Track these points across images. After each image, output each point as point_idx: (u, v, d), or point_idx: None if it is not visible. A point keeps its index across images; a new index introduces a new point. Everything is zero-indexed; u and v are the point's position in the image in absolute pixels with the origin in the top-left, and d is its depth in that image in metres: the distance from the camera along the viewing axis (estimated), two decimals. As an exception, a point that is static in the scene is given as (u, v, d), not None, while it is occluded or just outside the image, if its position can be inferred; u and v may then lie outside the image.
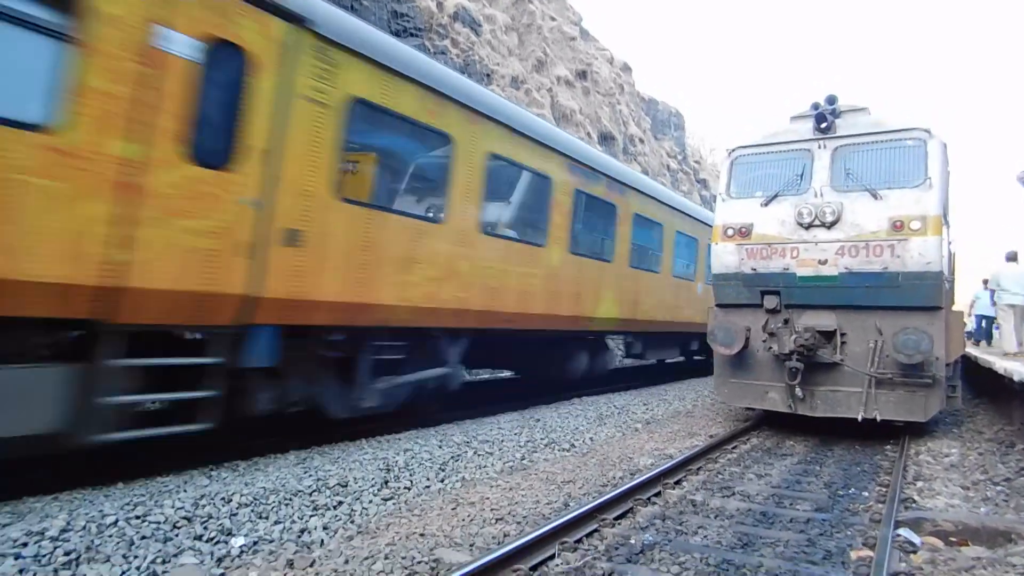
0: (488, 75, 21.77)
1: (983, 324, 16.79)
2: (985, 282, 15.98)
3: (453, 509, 5.12)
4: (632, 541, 4.48)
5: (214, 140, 5.30)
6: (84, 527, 4.03)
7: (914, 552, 4.37)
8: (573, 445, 7.84)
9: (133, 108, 4.68)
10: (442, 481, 5.98)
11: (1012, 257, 12.87)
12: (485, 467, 6.56)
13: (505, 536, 4.48)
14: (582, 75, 29.77)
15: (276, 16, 5.62)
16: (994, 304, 13.43)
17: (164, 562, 3.91)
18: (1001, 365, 8.61)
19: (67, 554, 3.75)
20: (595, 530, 4.65)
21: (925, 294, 7.80)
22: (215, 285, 5.30)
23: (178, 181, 4.99)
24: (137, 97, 4.69)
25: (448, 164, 7.80)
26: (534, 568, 3.95)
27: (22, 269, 4.20)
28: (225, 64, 5.29)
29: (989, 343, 16.54)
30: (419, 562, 3.97)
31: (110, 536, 4.01)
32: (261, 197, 5.59)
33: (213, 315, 5.41)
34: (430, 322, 7.70)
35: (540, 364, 11.58)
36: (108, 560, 3.80)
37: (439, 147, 7.79)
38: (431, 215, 7.77)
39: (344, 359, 6.99)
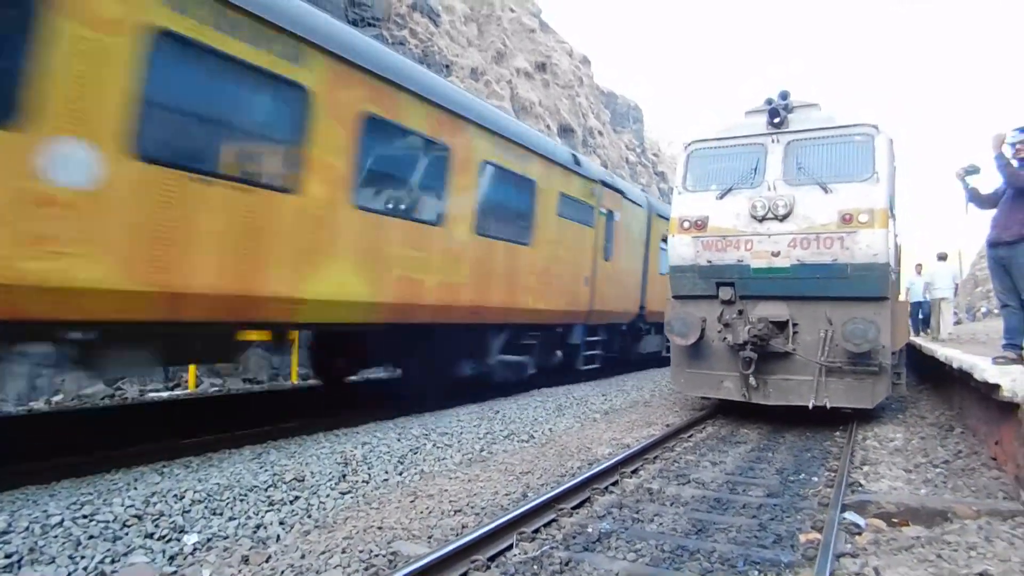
0: (447, 66, 21.61)
1: (919, 314, 16.37)
2: (919, 267, 16.45)
3: (411, 502, 5.10)
4: (589, 530, 4.54)
5: None
6: (27, 528, 3.91)
7: (859, 534, 4.53)
8: (532, 436, 7.89)
9: None
10: (400, 474, 5.96)
11: (943, 257, 15.17)
12: (444, 459, 6.56)
13: (463, 527, 4.49)
14: (541, 67, 29.78)
15: None
16: (926, 298, 15.52)
17: (113, 561, 3.81)
18: (942, 353, 8.94)
19: (8, 556, 3.62)
20: (553, 520, 4.69)
21: (872, 285, 8.06)
22: None
23: None
24: None
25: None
26: (492, 559, 3.96)
27: None
28: None
29: (920, 332, 16.28)
30: (377, 555, 3.95)
31: (55, 537, 3.90)
32: None
33: None
34: None
35: None
36: (53, 561, 3.69)
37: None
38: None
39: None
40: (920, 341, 13.18)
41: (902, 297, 14.21)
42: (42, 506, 4.29)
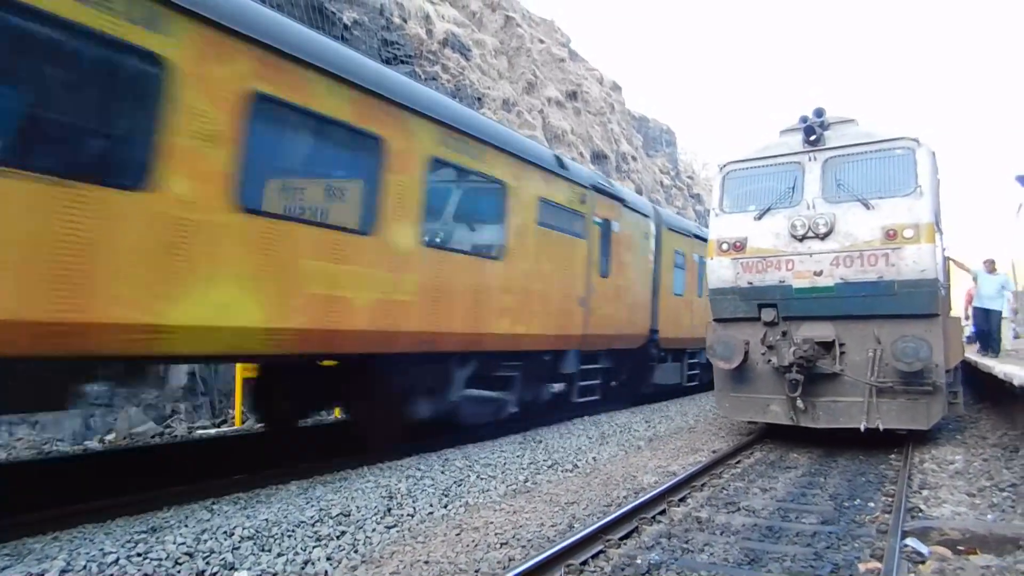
0: (479, 99, 21.96)
1: (987, 327, 13.69)
2: (989, 264, 13.53)
3: (457, 535, 5.08)
4: (638, 561, 4.45)
5: None
6: (84, 567, 3.99)
7: (922, 562, 4.34)
8: (576, 465, 7.80)
9: None
10: (445, 507, 5.93)
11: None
12: (488, 491, 6.51)
13: (510, 560, 4.44)
14: (572, 95, 30.02)
15: None
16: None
17: (166, 599, 3.86)
18: (1001, 370, 8.60)
19: (68, 595, 3.70)
20: (600, 551, 4.61)
21: (921, 302, 7.83)
22: None
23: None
24: None
25: None
26: (540, 592, 3.91)
27: None
28: None
29: (989, 350, 14.02)
30: (424, 590, 3.93)
31: (111, 575, 3.97)
32: None
33: None
34: None
35: None
36: (110, 599, 3.75)
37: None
38: None
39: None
40: (975, 358, 12.64)
41: (957, 312, 13.50)
42: (99, 544, 4.39)
